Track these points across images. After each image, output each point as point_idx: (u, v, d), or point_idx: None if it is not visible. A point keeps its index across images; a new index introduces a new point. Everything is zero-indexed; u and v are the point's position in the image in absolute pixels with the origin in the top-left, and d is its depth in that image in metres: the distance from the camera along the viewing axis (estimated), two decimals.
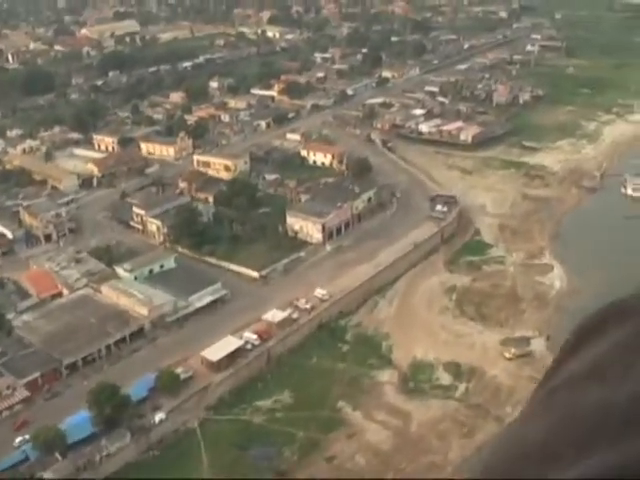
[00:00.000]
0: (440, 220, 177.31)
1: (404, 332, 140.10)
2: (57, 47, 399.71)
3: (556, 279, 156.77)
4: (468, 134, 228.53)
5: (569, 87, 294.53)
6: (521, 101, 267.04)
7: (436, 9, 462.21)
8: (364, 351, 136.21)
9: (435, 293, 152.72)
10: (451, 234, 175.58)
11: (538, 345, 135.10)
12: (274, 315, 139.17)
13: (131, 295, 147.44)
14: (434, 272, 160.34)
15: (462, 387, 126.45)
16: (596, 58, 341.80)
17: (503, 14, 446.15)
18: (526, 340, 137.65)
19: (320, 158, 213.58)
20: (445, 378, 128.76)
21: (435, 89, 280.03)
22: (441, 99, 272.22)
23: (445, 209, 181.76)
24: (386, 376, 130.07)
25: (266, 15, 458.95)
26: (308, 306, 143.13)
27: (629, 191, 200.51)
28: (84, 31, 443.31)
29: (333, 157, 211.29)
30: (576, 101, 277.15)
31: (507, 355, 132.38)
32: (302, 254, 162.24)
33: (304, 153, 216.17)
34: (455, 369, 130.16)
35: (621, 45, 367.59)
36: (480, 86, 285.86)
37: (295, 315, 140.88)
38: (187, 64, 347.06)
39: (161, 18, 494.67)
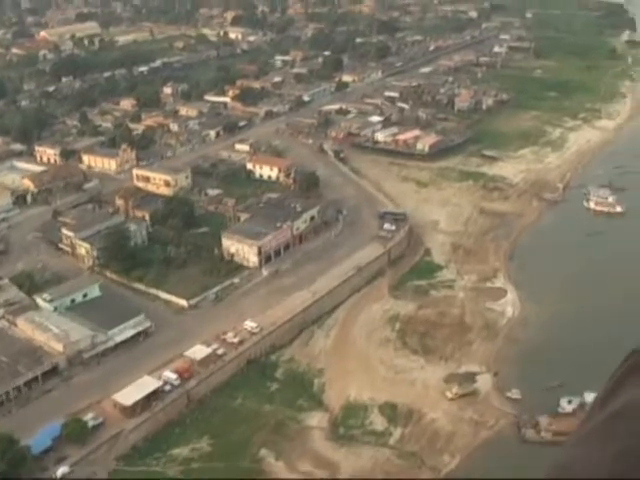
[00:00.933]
0: (388, 240, 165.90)
1: (340, 368, 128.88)
2: (14, 50, 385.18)
3: (508, 305, 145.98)
4: (425, 143, 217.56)
5: (536, 90, 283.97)
6: (484, 106, 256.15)
7: (404, 9, 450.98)
8: (294, 390, 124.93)
9: (377, 322, 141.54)
10: (399, 255, 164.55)
11: (484, 382, 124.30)
12: (197, 351, 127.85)
13: (47, 329, 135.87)
14: (377, 298, 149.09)
15: (397, 433, 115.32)
16: (566, 59, 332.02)
17: (473, 14, 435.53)
18: (471, 377, 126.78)
19: (266, 172, 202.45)
20: (379, 422, 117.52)
21: (395, 94, 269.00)
22: (401, 105, 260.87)
23: (394, 227, 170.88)
24: (315, 420, 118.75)
25: (230, 15, 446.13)
26: (236, 340, 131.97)
27: (592, 205, 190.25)
28: (43, 33, 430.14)
29: (280, 171, 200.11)
30: (542, 106, 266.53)
31: (449, 395, 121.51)
32: (236, 280, 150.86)
33: (250, 166, 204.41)
34: (391, 411, 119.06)
35: (592, 45, 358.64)
36: (443, 90, 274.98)
37: (221, 350, 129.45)
38: (143, 68, 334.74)
39: (124, 19, 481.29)
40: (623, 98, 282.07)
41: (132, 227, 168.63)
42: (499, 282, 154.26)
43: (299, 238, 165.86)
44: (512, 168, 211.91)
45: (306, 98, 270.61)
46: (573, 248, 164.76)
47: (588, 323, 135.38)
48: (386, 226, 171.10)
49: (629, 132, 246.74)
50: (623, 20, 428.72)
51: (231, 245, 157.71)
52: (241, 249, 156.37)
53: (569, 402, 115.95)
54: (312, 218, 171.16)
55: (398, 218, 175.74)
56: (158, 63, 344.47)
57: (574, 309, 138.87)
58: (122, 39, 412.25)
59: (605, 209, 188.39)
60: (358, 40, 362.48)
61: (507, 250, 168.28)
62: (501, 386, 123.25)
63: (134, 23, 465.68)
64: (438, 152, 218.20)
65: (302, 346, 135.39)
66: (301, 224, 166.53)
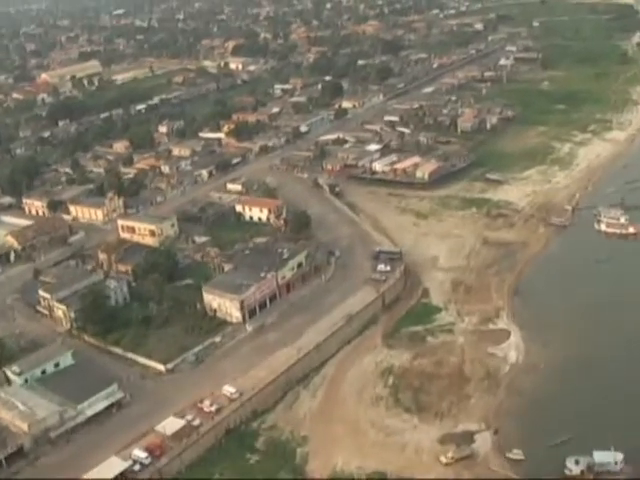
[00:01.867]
0: (381, 282, 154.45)
1: (326, 433, 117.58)
2: (14, 95, 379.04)
3: (512, 349, 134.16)
4: (425, 171, 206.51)
5: (543, 104, 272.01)
6: (488, 126, 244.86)
7: (409, 26, 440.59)
8: (275, 462, 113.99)
9: (368, 377, 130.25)
10: (394, 298, 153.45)
11: (483, 442, 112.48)
12: (169, 425, 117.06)
13: (12, 407, 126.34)
14: (370, 349, 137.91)
15: None
16: (574, 68, 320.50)
17: (479, 26, 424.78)
18: (469, 436, 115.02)
19: (256, 213, 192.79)
20: None
21: (396, 118, 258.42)
22: (401, 129, 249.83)
23: (388, 268, 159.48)
24: None
25: (232, 45, 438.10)
26: (213, 409, 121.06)
27: (603, 227, 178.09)
28: (44, 75, 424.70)
29: (269, 212, 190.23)
30: (550, 120, 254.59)
31: (444, 460, 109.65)
32: (218, 339, 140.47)
33: (239, 209, 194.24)
34: None
35: (602, 51, 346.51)
36: (445, 111, 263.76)
37: (197, 421, 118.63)
38: (141, 107, 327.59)
39: (127, 55, 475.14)
40: (635, 105, 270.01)
41: (112, 285, 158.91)
42: (502, 322, 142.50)
43: (286, 287, 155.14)
44: (518, 191, 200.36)
45: (303, 129, 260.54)
46: (583, 278, 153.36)
47: (600, 368, 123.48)
48: (380, 267, 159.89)
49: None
50: (634, 22, 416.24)
51: (212, 300, 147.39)
52: (223, 304, 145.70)
53: (576, 463, 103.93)
54: (300, 265, 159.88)
55: (393, 257, 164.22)
56: (156, 100, 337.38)
57: (584, 352, 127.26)
58: (122, 77, 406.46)
59: (617, 231, 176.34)
60: (360, 62, 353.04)
61: (511, 284, 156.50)
62: (502, 445, 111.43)
63: (136, 59, 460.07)
64: (439, 179, 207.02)
65: (286, 410, 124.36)
66: (287, 272, 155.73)
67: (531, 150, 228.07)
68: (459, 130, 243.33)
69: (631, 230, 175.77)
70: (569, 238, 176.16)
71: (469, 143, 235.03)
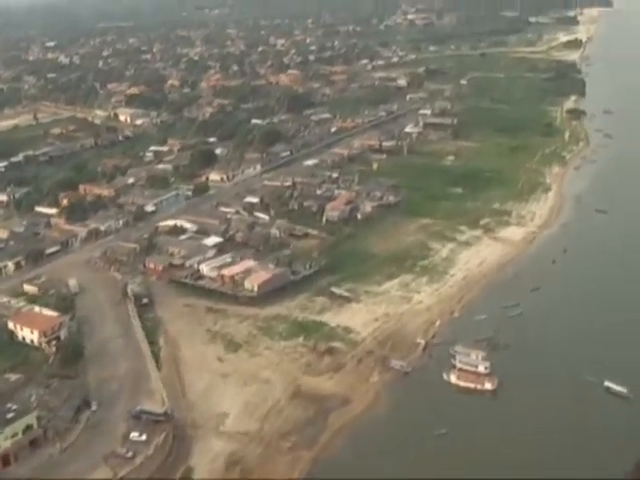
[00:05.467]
0: (126, 461, 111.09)
1: None
2: None
3: None
4: (254, 282, 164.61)
5: (438, 186, 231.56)
6: (359, 215, 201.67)
7: (328, 78, 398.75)
8: None
9: None
10: None
11: None
12: None
13: None
14: None
15: None
16: (490, 138, 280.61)
17: (402, 82, 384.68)
18: None
19: (28, 334, 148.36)
20: None
21: (256, 200, 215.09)
22: (259, 215, 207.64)
23: (144, 438, 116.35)
24: None
25: (133, 91, 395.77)
26: None
27: (453, 378, 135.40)
28: None
29: (41, 334, 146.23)
30: (438, 209, 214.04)
31: None
32: None
33: (12, 326, 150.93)
34: None
35: (527, 118, 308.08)
36: (319, 192, 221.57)
37: None
38: (2, 164, 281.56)
39: (29, 96, 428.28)
40: (545, 192, 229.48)
41: None
42: None
43: (2, 460, 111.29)
44: (366, 313, 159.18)
45: (150, 208, 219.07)
46: (404, 466, 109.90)
47: None
48: (133, 436, 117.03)
49: (539, 246, 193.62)
50: (572, 83, 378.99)
51: None
52: None
53: None
54: (28, 427, 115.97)
55: (158, 419, 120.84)
56: (20, 157, 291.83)
57: None
58: (4, 124, 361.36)
59: (471, 385, 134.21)
60: (256, 121, 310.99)
61: (304, 469, 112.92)
62: None
63: (35, 101, 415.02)
64: (272, 292, 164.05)
65: None
66: (3, 441, 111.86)
67: (402, 252, 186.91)
68: (324, 219, 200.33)
69: (487, 386, 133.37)
70: (406, 394, 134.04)
71: (331, 238, 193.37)
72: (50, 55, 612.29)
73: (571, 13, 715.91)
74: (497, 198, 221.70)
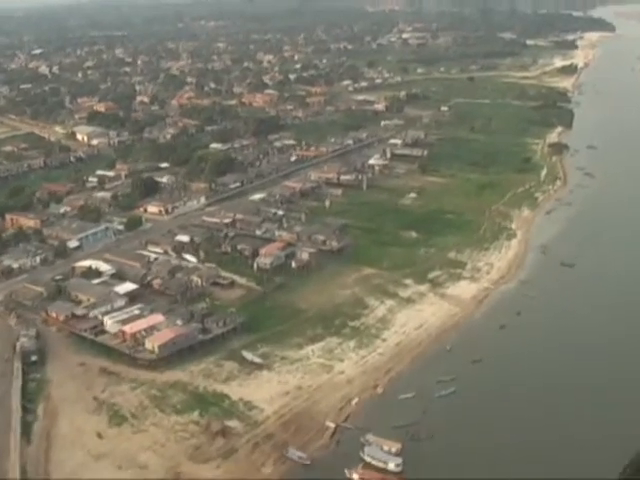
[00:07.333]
0: None
1: None
2: None
3: None
4: (155, 342, 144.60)
5: (392, 229, 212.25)
6: (294, 264, 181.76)
7: (302, 100, 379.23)
8: None
9: None
10: None
11: None
12: None
13: None
14: None
15: None
16: (460, 174, 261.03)
17: (380, 106, 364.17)
18: None
19: None
20: None
21: (187, 239, 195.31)
22: (187, 257, 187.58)
23: None
24: None
25: (99, 107, 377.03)
26: None
27: (355, 476, 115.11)
28: None
29: None
30: (386, 257, 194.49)
31: None
32: None
33: None
34: None
35: (505, 151, 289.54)
36: (259, 232, 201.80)
37: None
38: None
39: None
40: (509, 240, 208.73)
41: None
42: None
43: None
44: (276, 385, 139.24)
45: (73, 244, 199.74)
46: None
47: None
48: None
49: (490, 306, 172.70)
50: (560, 114, 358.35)
51: None
52: None
53: None
54: None
55: None
56: None
57: None
58: None
59: None
60: (215, 145, 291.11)
61: None
62: None
63: (2, 114, 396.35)
64: (177, 353, 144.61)
65: None
66: None
67: (333, 309, 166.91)
68: (256, 267, 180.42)
69: None
70: None
71: (258, 289, 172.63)
72: (34, 63, 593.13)
73: (571, 37, 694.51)
74: (454, 245, 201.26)
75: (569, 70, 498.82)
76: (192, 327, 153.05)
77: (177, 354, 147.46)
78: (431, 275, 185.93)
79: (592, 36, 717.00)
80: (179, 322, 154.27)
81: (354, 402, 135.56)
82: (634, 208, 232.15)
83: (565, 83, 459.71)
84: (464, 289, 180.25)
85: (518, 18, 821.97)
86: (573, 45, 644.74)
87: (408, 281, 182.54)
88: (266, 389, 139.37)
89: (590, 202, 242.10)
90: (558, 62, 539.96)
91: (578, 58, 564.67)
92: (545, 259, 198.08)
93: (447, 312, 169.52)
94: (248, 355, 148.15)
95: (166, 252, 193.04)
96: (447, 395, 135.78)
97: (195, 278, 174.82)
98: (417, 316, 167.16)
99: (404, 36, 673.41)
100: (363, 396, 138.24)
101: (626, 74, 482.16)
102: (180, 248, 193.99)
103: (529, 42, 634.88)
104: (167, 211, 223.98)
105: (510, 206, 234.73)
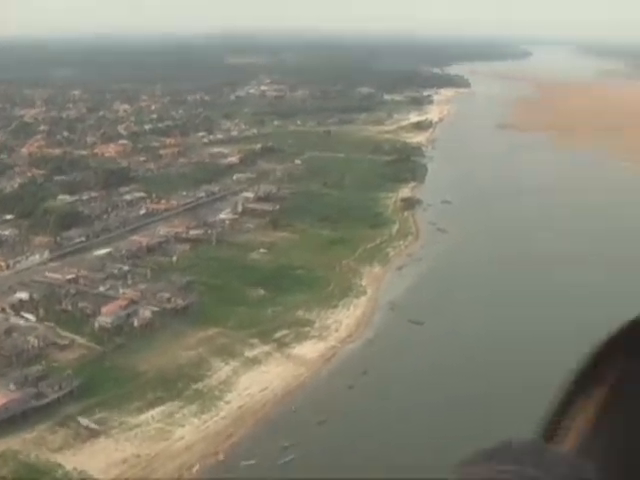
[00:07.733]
0: None
1: None
2: None
3: None
4: None
5: (239, 286, 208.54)
6: (136, 323, 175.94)
7: (154, 151, 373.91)
8: None
9: None
10: None
11: None
12: None
13: None
14: None
15: None
16: (312, 229, 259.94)
17: (234, 159, 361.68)
18: None
19: None
20: None
21: (26, 296, 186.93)
22: (26, 315, 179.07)
23: None
24: None
25: None
26: None
27: None
28: None
29: None
30: (233, 315, 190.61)
31: None
32: None
33: None
34: None
35: (357, 206, 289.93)
36: (103, 289, 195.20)
37: None
38: None
39: None
40: (357, 297, 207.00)
41: None
42: None
43: None
44: (113, 453, 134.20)
45: None
46: None
47: None
48: None
49: (337, 365, 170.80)
50: (413, 168, 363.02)
51: None
52: None
53: None
54: None
55: None
56: None
57: None
58: None
59: None
60: (62, 197, 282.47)
61: None
62: None
63: None
64: (7, 421, 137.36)
65: None
66: None
67: (176, 371, 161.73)
68: (97, 326, 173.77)
69: None
70: None
71: (97, 349, 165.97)
72: None
73: (427, 92, 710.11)
74: (302, 303, 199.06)
75: (424, 125, 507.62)
76: (25, 392, 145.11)
77: (8, 421, 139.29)
78: (278, 334, 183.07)
79: (448, 92, 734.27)
80: (12, 387, 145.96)
81: (195, 470, 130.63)
82: (486, 265, 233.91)
83: (420, 138, 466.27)
84: (311, 348, 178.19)
85: (377, 73, 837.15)
86: (429, 100, 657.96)
87: (254, 341, 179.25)
88: (102, 457, 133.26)
89: (442, 258, 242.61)
90: (413, 117, 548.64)
91: (433, 113, 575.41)
92: (394, 316, 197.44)
93: (293, 372, 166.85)
94: (84, 421, 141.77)
95: (4, 310, 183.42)
96: (288, 462, 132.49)
97: (32, 339, 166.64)
98: (262, 377, 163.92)
99: (262, 88, 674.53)
100: (203, 463, 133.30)
101: (479, 129, 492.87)
102: (19, 306, 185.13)
103: (386, 97, 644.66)
104: (7, 267, 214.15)
105: (361, 262, 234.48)
